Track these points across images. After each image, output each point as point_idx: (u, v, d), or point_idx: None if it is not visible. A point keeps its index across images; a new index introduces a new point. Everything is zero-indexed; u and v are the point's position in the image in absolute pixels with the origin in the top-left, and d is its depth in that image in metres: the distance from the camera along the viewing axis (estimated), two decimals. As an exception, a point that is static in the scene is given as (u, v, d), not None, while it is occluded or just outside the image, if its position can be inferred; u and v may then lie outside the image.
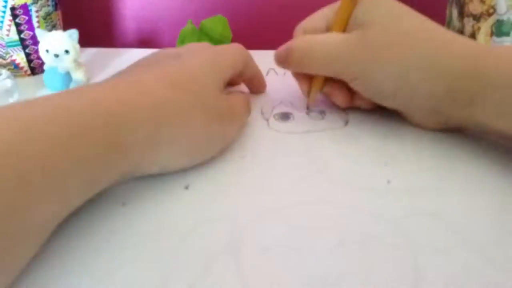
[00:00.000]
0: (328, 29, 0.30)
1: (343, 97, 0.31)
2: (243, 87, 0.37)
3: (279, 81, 0.39)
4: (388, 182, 0.24)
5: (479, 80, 0.24)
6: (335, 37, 0.28)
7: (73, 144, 0.17)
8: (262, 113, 0.33)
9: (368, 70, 0.27)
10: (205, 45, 0.30)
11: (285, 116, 0.32)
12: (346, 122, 0.31)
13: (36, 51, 0.43)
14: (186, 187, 0.23)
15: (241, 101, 0.29)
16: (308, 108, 0.33)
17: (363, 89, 0.29)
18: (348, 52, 0.27)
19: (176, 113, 0.22)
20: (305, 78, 0.32)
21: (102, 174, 0.19)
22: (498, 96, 0.24)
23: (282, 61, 0.30)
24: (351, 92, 0.31)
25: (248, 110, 0.30)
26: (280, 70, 0.43)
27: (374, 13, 0.27)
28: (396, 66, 0.26)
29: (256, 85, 0.37)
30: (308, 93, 0.32)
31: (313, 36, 0.29)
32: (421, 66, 0.25)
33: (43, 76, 0.40)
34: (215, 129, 0.25)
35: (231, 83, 0.33)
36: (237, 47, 0.31)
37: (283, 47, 0.30)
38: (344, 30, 0.28)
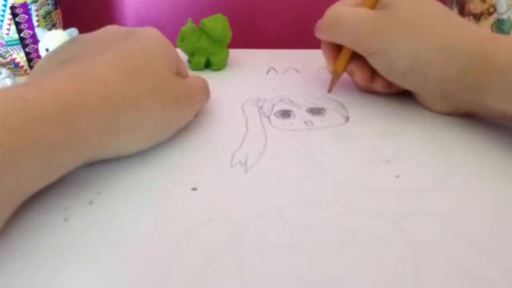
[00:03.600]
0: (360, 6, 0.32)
1: (363, 75, 0.33)
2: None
3: (280, 79, 0.39)
4: (397, 177, 0.24)
5: (488, 64, 0.26)
6: (362, 11, 0.31)
7: (28, 130, 0.18)
8: (263, 111, 0.33)
9: (386, 46, 0.29)
10: (154, 33, 0.28)
11: (285, 114, 0.32)
12: (347, 119, 0.31)
13: (36, 50, 0.43)
14: (193, 188, 0.23)
15: (199, 83, 0.30)
16: (330, 91, 0.36)
17: (379, 65, 0.31)
18: (371, 26, 0.30)
19: (132, 101, 0.23)
20: (332, 55, 0.34)
21: (60, 160, 0.20)
22: (505, 80, 0.25)
23: (317, 26, 0.34)
24: (371, 73, 0.33)
25: (206, 91, 0.31)
26: (280, 69, 0.43)
27: None
28: (412, 46, 0.28)
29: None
30: (333, 70, 0.35)
31: (344, 7, 0.32)
32: (435, 48, 0.28)
33: (43, 75, 0.40)
34: (171, 113, 0.26)
35: None
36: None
37: (321, 19, 0.33)
38: (373, 8, 0.31)
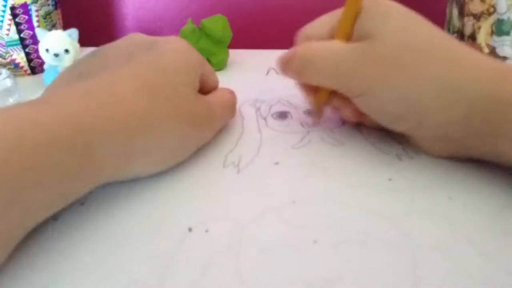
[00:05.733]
0: (332, 37, 0.27)
1: (353, 112, 0.27)
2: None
3: (277, 80, 0.39)
4: (390, 179, 0.24)
5: (500, 106, 0.21)
6: (338, 46, 0.25)
7: (40, 159, 0.17)
8: (260, 112, 0.33)
9: (374, 87, 0.24)
10: (182, 43, 0.27)
11: (283, 115, 0.32)
12: (344, 121, 0.31)
13: (36, 51, 0.43)
14: (190, 189, 0.23)
15: (222, 101, 0.28)
16: (315, 125, 0.30)
17: (367, 108, 0.26)
18: (352, 64, 0.24)
19: (149, 123, 0.22)
20: (310, 89, 0.29)
21: (73, 187, 0.19)
22: None
23: (283, 68, 0.28)
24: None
25: (230, 110, 0.29)
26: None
27: (382, 23, 0.24)
28: (406, 87, 0.23)
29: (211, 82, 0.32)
30: (313, 106, 0.29)
31: (315, 43, 0.26)
32: (435, 89, 0.22)
33: (43, 75, 0.40)
34: (189, 134, 0.24)
35: None
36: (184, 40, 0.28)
37: (286, 53, 0.27)
38: (349, 39, 0.26)
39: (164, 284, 0.17)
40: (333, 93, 0.28)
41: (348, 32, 0.25)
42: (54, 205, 0.19)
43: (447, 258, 0.18)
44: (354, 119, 0.28)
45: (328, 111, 0.31)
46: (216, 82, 0.29)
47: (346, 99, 0.27)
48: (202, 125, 0.25)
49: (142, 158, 0.22)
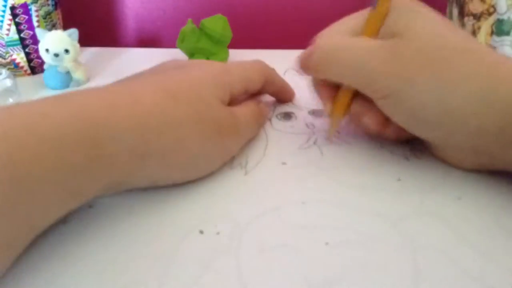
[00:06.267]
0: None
1: (376, 119, 0.25)
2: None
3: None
4: (398, 180, 0.24)
5: None
6: (365, 41, 0.23)
7: (47, 152, 0.16)
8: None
9: (402, 86, 0.22)
10: (216, 62, 0.28)
11: (287, 116, 0.32)
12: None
13: (36, 51, 0.43)
14: (194, 190, 0.23)
15: (249, 113, 0.27)
16: (329, 139, 0.28)
17: (393, 112, 0.23)
18: (380, 61, 0.22)
19: (167, 124, 0.20)
20: (328, 93, 0.26)
21: (81, 184, 0.18)
22: None
23: (303, 62, 0.25)
24: (385, 116, 0.24)
25: (258, 122, 0.28)
26: (280, 69, 0.43)
27: (412, 21, 0.22)
28: (439, 88, 0.21)
29: (282, 98, 0.34)
30: (331, 113, 0.27)
31: (340, 37, 0.24)
32: (470, 92, 0.20)
33: (43, 75, 0.40)
34: (212, 143, 0.23)
35: (254, 94, 0.30)
36: (255, 63, 0.29)
37: (307, 49, 0.25)
38: (376, 37, 0.24)
39: (165, 284, 0.17)
40: (353, 98, 0.25)
41: (376, 31, 0.23)
42: (63, 204, 0.18)
43: (447, 259, 0.18)
44: (375, 127, 0.25)
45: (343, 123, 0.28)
46: (279, 82, 0.29)
47: (367, 105, 0.25)
48: (226, 134, 0.24)
49: (157, 160, 0.20)
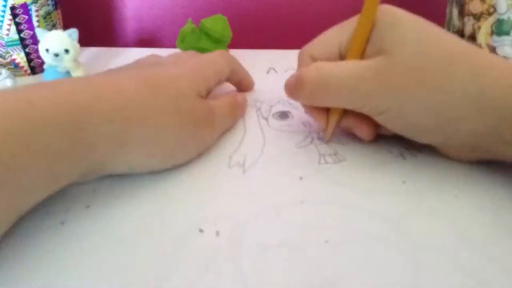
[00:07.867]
0: (341, 54, 0.26)
1: (368, 129, 0.26)
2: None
3: (278, 80, 0.39)
4: (396, 178, 0.24)
5: None
6: (353, 65, 0.24)
7: (33, 139, 0.17)
8: (261, 112, 0.33)
9: (398, 102, 0.23)
10: (190, 54, 0.30)
11: (283, 115, 0.32)
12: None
13: (36, 51, 0.43)
14: (193, 190, 0.23)
15: (225, 106, 0.28)
16: (328, 144, 0.28)
17: (391, 124, 0.24)
18: (372, 82, 0.23)
19: (147, 115, 0.22)
20: (321, 114, 0.27)
21: (65, 168, 0.19)
22: None
23: (292, 93, 0.26)
24: (375, 124, 0.26)
25: (234, 114, 0.30)
26: (280, 69, 0.43)
27: (395, 35, 0.22)
28: (431, 98, 0.22)
29: (243, 87, 0.37)
30: (326, 127, 0.28)
31: (326, 65, 0.25)
32: (461, 98, 0.21)
33: (43, 75, 0.40)
34: (188, 133, 0.24)
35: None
36: (222, 55, 0.31)
37: (292, 77, 0.26)
38: (362, 56, 0.24)
39: (164, 284, 0.17)
40: (345, 111, 0.26)
41: (362, 50, 0.24)
42: (46, 187, 0.19)
43: (447, 259, 0.18)
44: (368, 138, 0.27)
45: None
46: (242, 72, 0.31)
47: (358, 120, 0.26)
48: (201, 126, 0.25)
49: (137, 147, 0.22)
